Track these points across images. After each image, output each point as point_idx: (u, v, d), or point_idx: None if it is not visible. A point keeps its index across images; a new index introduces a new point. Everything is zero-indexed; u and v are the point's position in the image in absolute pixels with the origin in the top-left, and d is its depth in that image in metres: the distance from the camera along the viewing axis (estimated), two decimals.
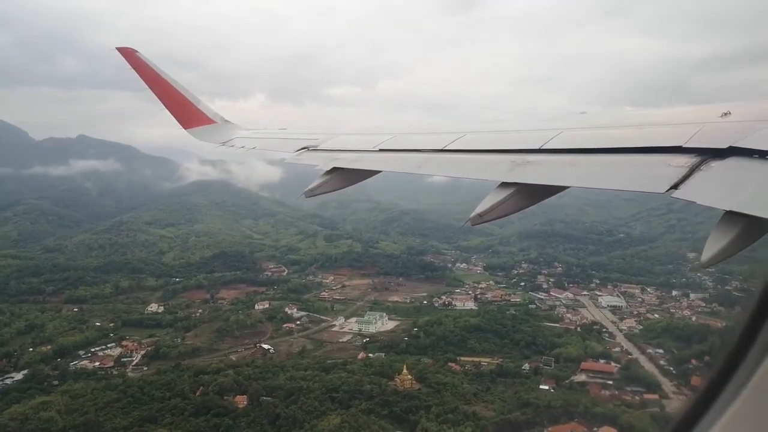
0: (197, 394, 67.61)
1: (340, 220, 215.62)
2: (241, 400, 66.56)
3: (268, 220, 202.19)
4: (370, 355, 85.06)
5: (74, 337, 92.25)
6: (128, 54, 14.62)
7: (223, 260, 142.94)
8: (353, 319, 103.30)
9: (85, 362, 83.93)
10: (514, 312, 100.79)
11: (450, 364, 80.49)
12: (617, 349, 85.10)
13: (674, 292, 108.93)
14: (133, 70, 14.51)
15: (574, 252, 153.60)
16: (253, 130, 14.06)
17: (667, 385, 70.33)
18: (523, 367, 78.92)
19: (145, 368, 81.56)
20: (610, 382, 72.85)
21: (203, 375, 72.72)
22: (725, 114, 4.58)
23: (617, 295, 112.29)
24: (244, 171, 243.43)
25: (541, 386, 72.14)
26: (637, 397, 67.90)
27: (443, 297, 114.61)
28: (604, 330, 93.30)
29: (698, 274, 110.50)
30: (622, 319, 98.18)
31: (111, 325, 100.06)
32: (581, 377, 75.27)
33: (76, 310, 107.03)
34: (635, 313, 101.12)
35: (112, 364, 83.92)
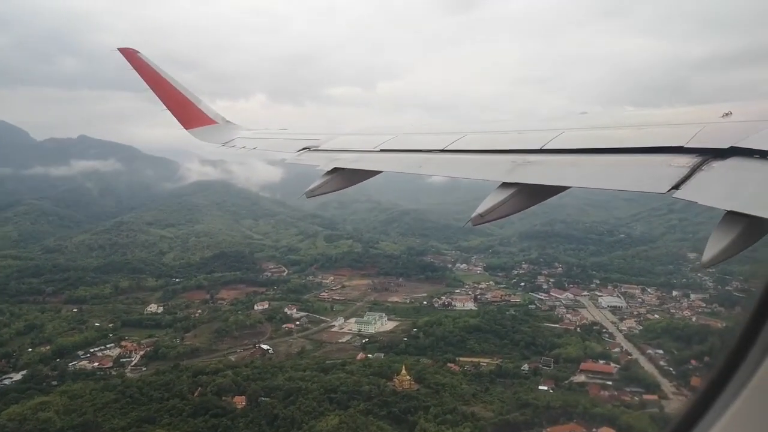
0: (195, 394, 67.59)
1: (340, 220, 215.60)
2: (240, 401, 66.48)
3: (268, 221, 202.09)
4: (369, 355, 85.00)
5: (73, 337, 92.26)
6: (129, 54, 14.64)
7: (223, 260, 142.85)
8: (353, 320, 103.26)
9: (84, 363, 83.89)
10: (513, 312, 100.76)
11: (449, 364, 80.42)
12: (617, 349, 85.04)
13: (675, 293, 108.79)
14: (134, 71, 14.53)
15: (574, 252, 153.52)
16: (253, 131, 14.06)
17: (667, 386, 70.23)
18: (522, 368, 78.84)
19: (144, 369, 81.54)
20: (610, 383, 72.75)
21: (202, 375, 72.64)
22: (726, 114, 4.59)
23: (617, 296, 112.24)
24: (245, 171, 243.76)
25: (540, 387, 72.05)
26: (637, 398, 67.80)
27: (443, 297, 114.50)
28: (604, 330, 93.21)
29: (699, 274, 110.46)
30: (622, 319, 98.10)
31: (110, 325, 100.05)
32: (580, 378, 75.20)
33: (75, 310, 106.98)
34: (635, 313, 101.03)
35: (111, 364, 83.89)
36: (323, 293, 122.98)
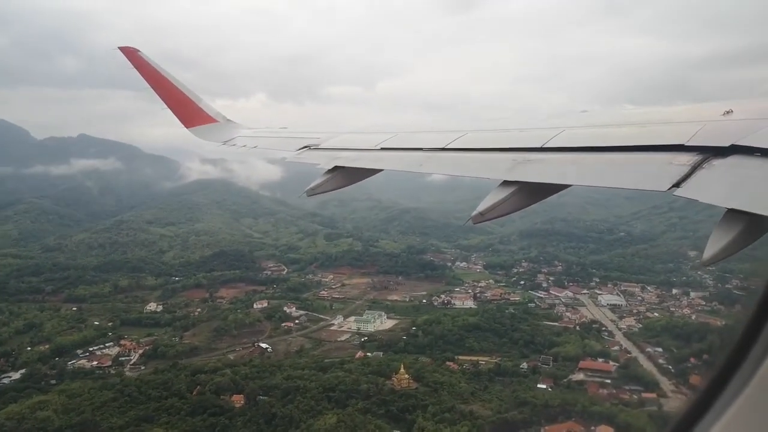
0: (194, 393, 67.53)
1: (340, 218, 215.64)
2: (238, 400, 66.45)
3: (268, 219, 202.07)
4: (368, 354, 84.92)
5: (72, 336, 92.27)
6: (130, 53, 14.64)
7: (222, 259, 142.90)
8: (352, 318, 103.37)
9: (83, 361, 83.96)
10: (513, 311, 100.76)
11: (448, 363, 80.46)
12: (616, 347, 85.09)
13: (674, 291, 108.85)
14: (134, 70, 14.53)
15: (574, 250, 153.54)
16: (254, 129, 14.09)
17: (666, 384, 70.29)
18: (521, 366, 78.93)
19: (143, 367, 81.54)
20: (608, 381, 72.85)
21: (200, 374, 72.62)
22: (727, 112, 4.59)
23: (617, 294, 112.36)
24: (245, 170, 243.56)
25: (538, 385, 72.10)
26: (635, 396, 67.78)
27: (442, 296, 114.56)
28: (604, 329, 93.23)
29: (698, 272, 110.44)
30: (621, 317, 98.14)
31: (110, 324, 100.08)
32: (579, 376, 75.26)
33: (75, 309, 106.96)
34: (635, 311, 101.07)
35: (109, 363, 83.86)
36: (323, 292, 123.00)
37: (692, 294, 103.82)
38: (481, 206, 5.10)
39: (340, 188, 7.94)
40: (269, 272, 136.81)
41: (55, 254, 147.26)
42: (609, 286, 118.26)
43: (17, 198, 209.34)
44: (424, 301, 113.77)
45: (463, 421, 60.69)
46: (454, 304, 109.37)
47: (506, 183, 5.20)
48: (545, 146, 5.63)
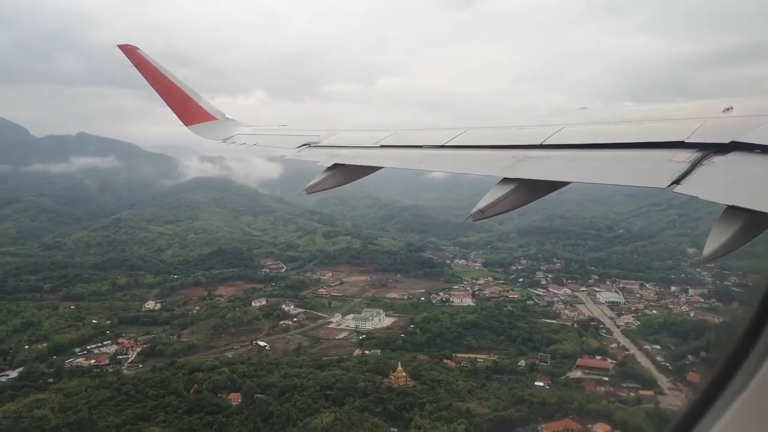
0: (191, 391, 67.40)
1: (339, 216, 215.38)
2: (235, 398, 66.36)
3: (267, 217, 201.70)
4: (365, 352, 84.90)
5: (70, 334, 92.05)
6: (130, 51, 14.58)
7: (221, 257, 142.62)
8: (350, 316, 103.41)
9: (80, 360, 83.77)
10: (511, 308, 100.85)
11: (445, 360, 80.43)
12: (614, 345, 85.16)
13: (673, 288, 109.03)
14: (134, 68, 14.47)
15: (573, 248, 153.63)
16: (254, 127, 14.06)
17: (663, 381, 70.38)
18: (519, 364, 78.96)
19: (141, 366, 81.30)
20: (606, 379, 72.93)
21: (198, 372, 72.43)
22: (727, 109, 4.59)
23: (616, 291, 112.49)
24: (244, 168, 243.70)
25: (536, 383, 72.12)
26: (633, 394, 67.92)
27: (441, 293, 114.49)
28: (602, 326, 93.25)
29: (697, 269, 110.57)
30: (620, 315, 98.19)
31: (107, 322, 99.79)
32: (577, 374, 75.31)
33: (73, 307, 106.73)
34: (633, 309, 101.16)
35: (107, 361, 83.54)
36: (321, 289, 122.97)
37: (691, 291, 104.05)
38: (481, 203, 5.11)
39: (339, 186, 7.94)
40: (268, 270, 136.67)
41: (53, 252, 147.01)
42: (607, 283, 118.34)
43: (16, 196, 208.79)
44: (423, 298, 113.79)
45: (460, 419, 60.59)
46: (453, 301, 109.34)
47: (506, 180, 5.21)
48: (545, 143, 5.63)
